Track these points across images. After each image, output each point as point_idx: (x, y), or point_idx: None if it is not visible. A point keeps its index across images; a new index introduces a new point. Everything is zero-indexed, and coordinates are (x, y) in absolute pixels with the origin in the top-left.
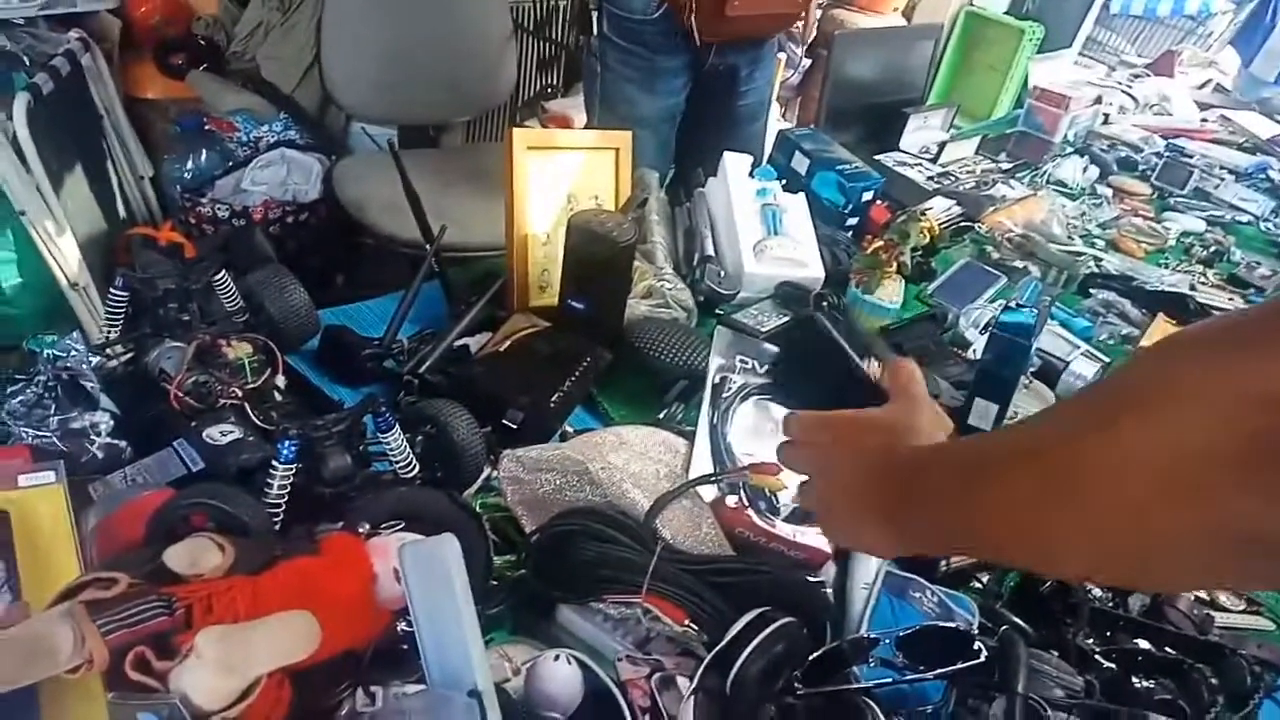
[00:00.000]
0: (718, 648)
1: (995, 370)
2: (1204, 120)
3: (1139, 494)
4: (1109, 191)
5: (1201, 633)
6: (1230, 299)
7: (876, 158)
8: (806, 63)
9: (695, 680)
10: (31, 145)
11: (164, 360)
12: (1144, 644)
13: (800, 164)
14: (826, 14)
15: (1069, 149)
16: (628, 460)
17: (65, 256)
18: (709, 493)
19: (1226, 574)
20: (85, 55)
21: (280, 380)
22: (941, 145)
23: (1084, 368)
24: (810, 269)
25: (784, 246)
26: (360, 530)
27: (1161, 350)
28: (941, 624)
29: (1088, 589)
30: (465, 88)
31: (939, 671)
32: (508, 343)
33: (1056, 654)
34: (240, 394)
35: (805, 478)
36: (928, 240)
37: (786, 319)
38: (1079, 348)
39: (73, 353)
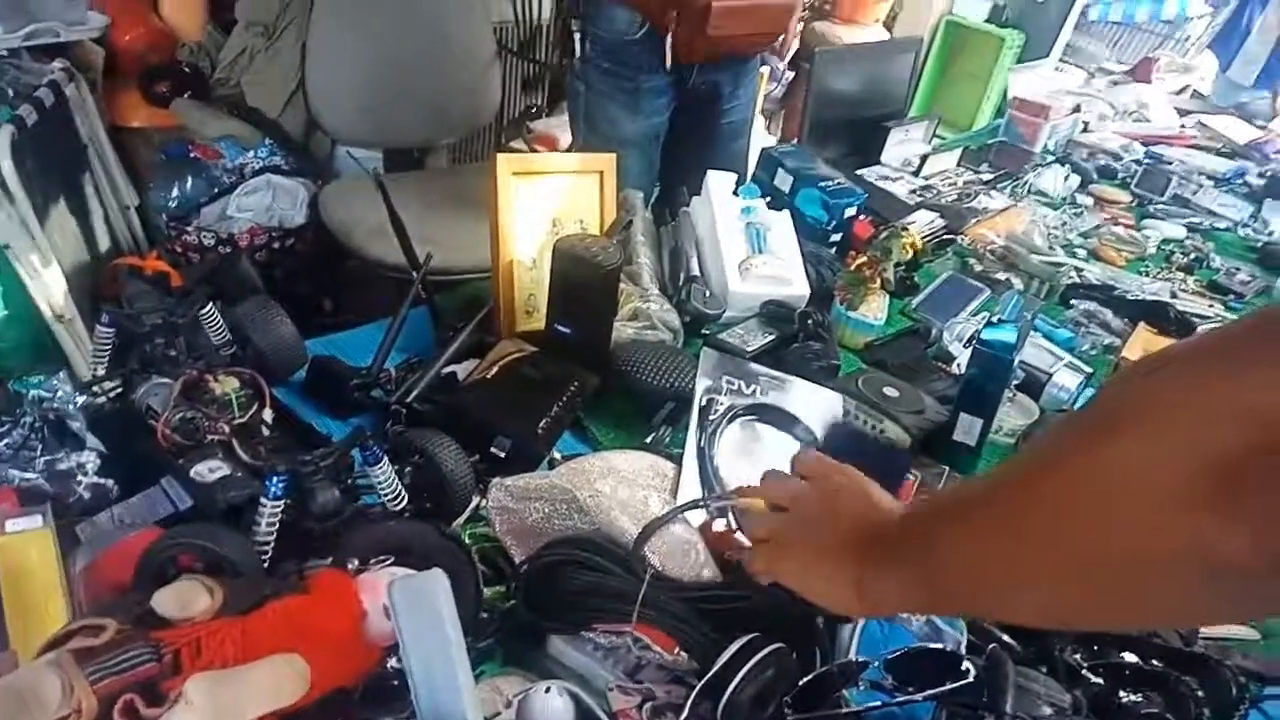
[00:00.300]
0: (708, 675)
1: (979, 385)
2: (1182, 126)
3: (1115, 516)
4: (1089, 200)
5: (1187, 645)
6: (1210, 305)
7: (859, 172)
8: (790, 75)
9: (687, 708)
10: (15, 178)
11: (151, 397)
12: (1131, 657)
13: (784, 181)
14: (808, 27)
15: (1049, 158)
16: (615, 487)
17: (50, 289)
18: (697, 516)
19: (1196, 605)
20: (69, 85)
21: (268, 414)
22: (923, 158)
23: (1067, 379)
24: (795, 286)
25: (769, 265)
26: (349, 566)
27: (1142, 371)
28: (929, 645)
29: None
30: (450, 110)
31: (928, 693)
32: (495, 369)
33: (1045, 670)
34: (228, 429)
35: (778, 507)
36: (910, 256)
37: (772, 337)
38: (1062, 359)
39: (59, 393)
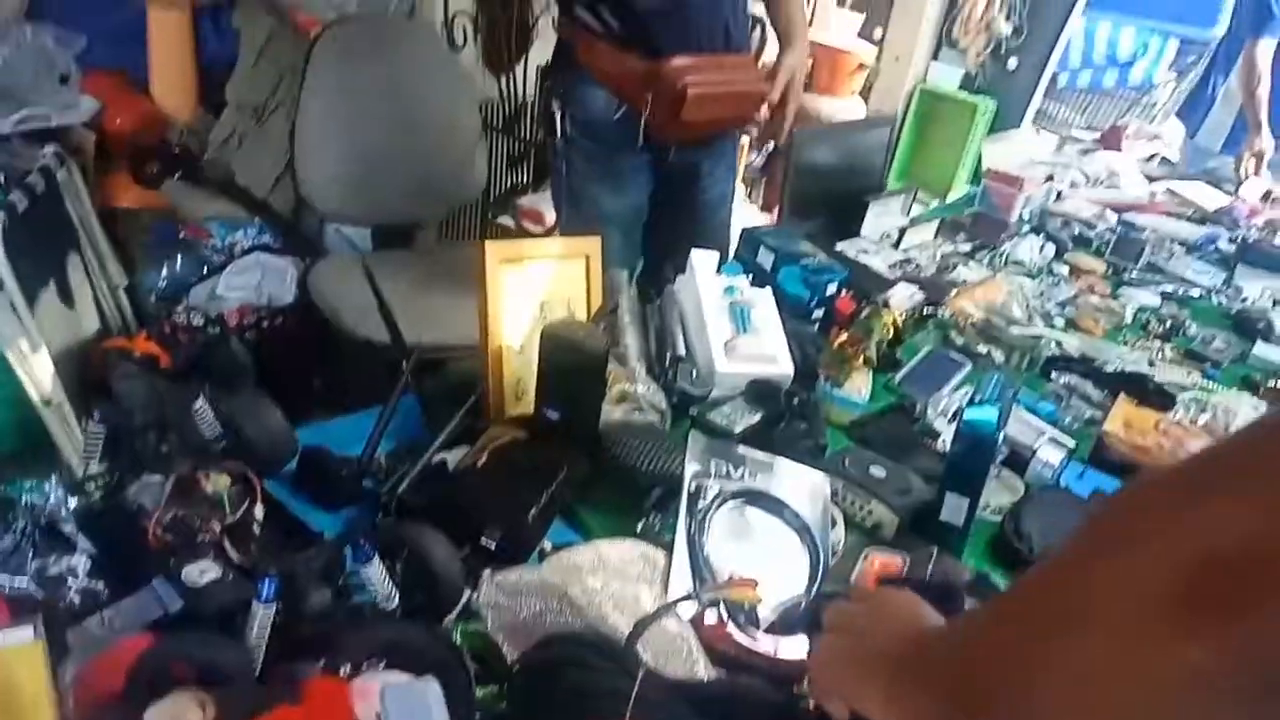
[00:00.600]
0: None
1: (964, 466)
2: (1153, 194)
3: (1099, 642)
4: (1065, 269)
5: None
6: (1189, 374)
7: (839, 245)
8: (769, 145)
9: None
10: (6, 264)
11: (142, 495)
12: None
13: (765, 259)
14: None
15: (1025, 227)
16: (606, 581)
17: (39, 374)
18: (689, 608)
19: None
20: (60, 170)
21: (259, 511)
22: (902, 230)
23: (1051, 454)
24: (780, 365)
25: (753, 344)
26: (342, 671)
27: (1126, 497)
28: None
29: None
30: (437, 187)
31: None
32: (484, 456)
33: None
34: (219, 529)
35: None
36: (891, 334)
37: (759, 416)
38: (1045, 433)
39: (51, 498)
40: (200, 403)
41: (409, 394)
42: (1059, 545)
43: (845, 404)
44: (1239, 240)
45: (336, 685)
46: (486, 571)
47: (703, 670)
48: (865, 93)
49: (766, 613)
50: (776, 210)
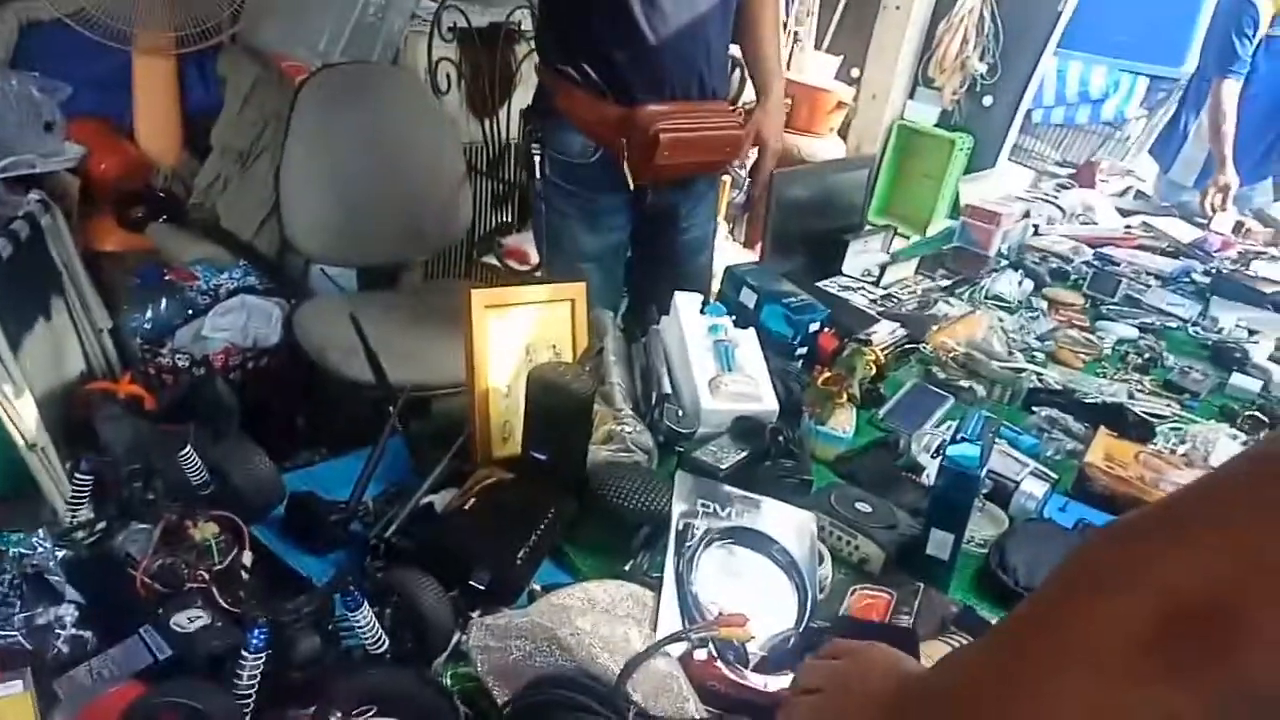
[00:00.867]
0: None
1: (947, 501)
2: (1128, 228)
3: (1079, 684)
4: (1044, 303)
5: None
6: (1168, 405)
7: (821, 283)
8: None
9: None
10: None
11: (130, 544)
12: None
13: (748, 298)
14: None
15: (1004, 262)
16: (595, 623)
17: (23, 418)
18: (678, 647)
19: None
20: (45, 216)
21: (247, 557)
22: (883, 267)
23: (1034, 487)
24: (765, 402)
25: (738, 382)
26: (333, 718)
27: (1104, 539)
28: None
29: None
30: (422, 229)
31: None
32: (472, 499)
33: None
34: (207, 576)
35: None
36: (874, 371)
37: (745, 454)
38: (1028, 466)
39: (39, 549)
40: (187, 450)
41: (396, 436)
42: (1042, 585)
43: (830, 439)
44: (1213, 272)
45: None
46: (475, 614)
47: (693, 709)
48: (844, 131)
49: (756, 649)
50: (759, 247)
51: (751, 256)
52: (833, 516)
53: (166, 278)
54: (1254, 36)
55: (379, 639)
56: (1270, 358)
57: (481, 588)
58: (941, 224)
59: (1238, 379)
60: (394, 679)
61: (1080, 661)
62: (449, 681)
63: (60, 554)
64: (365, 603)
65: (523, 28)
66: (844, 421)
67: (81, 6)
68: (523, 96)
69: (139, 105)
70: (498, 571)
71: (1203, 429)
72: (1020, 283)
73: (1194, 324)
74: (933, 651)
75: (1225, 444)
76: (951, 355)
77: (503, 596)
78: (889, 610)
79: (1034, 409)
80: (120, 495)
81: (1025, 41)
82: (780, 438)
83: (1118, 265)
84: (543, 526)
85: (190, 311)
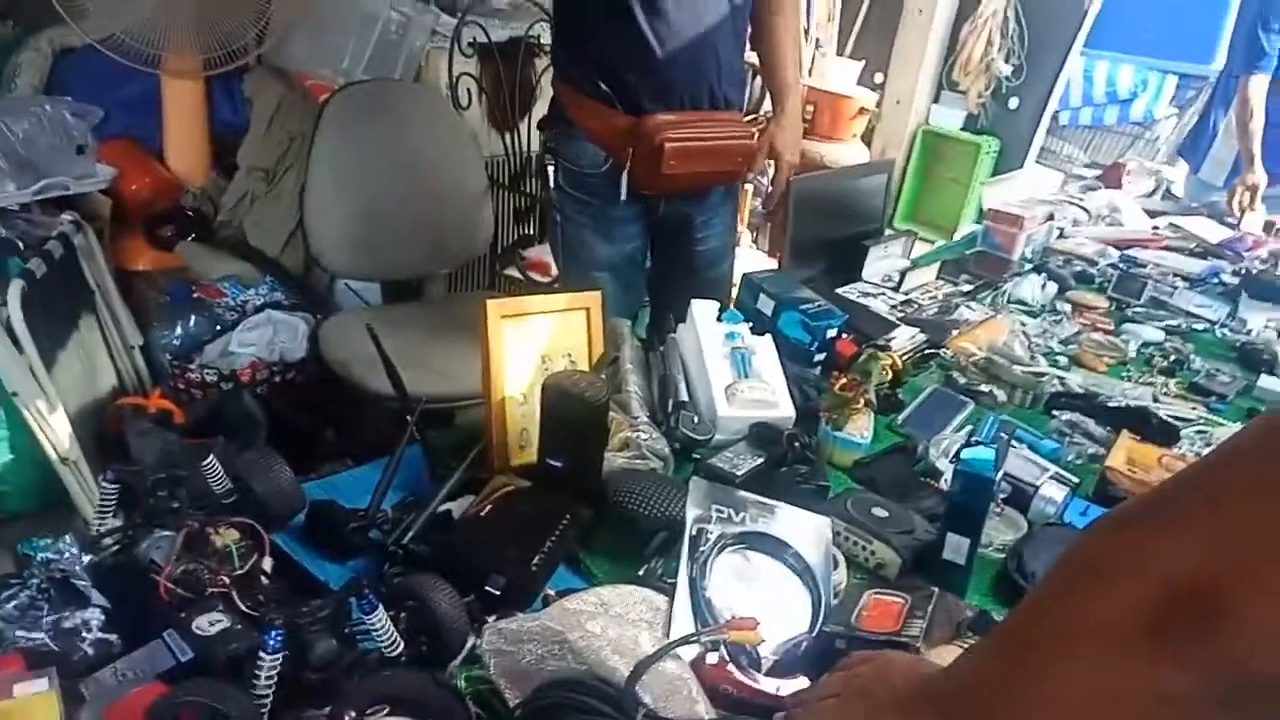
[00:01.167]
0: None
1: (963, 506)
2: (1155, 229)
3: (1080, 672)
4: (1068, 307)
5: None
6: (1194, 409)
7: (841, 289)
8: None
9: None
10: (25, 329)
11: (154, 550)
12: None
13: (766, 305)
14: None
15: (1027, 265)
16: (606, 626)
17: (56, 433)
18: (690, 650)
19: None
20: (78, 236)
21: (267, 563)
22: (903, 273)
23: (1053, 491)
24: (781, 409)
25: (755, 389)
26: (347, 718)
27: (1102, 528)
28: None
29: None
30: (445, 243)
31: None
32: (488, 506)
33: None
34: (228, 581)
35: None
36: (890, 376)
37: (761, 459)
38: (1048, 470)
39: (66, 555)
40: (210, 460)
41: (414, 445)
42: (1044, 578)
43: (847, 445)
44: (1242, 273)
45: None
46: (489, 619)
47: (703, 711)
48: (868, 137)
49: (768, 653)
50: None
51: (774, 264)
52: (849, 522)
53: (195, 295)
54: None
55: (394, 642)
56: None
57: (496, 593)
58: (967, 228)
59: (1266, 380)
60: (408, 680)
61: (1083, 648)
62: (462, 684)
63: (87, 560)
64: (380, 606)
65: (542, 41)
66: (861, 427)
67: (112, 32)
68: (543, 110)
69: (168, 127)
70: (512, 577)
71: (1228, 432)
72: (1044, 286)
73: (1222, 325)
74: (947, 656)
75: None
76: (972, 360)
77: (517, 602)
78: (903, 615)
79: (1055, 413)
80: (146, 503)
81: (1050, 42)
82: (797, 443)
83: (1144, 267)
84: (557, 533)
85: (218, 327)
